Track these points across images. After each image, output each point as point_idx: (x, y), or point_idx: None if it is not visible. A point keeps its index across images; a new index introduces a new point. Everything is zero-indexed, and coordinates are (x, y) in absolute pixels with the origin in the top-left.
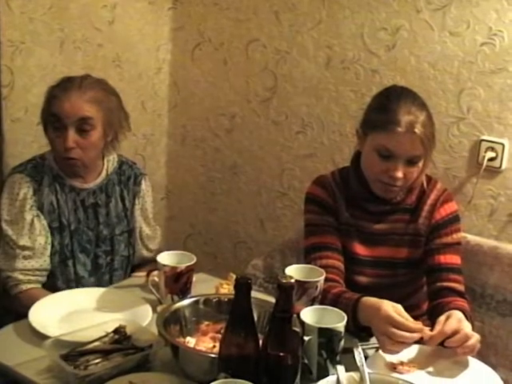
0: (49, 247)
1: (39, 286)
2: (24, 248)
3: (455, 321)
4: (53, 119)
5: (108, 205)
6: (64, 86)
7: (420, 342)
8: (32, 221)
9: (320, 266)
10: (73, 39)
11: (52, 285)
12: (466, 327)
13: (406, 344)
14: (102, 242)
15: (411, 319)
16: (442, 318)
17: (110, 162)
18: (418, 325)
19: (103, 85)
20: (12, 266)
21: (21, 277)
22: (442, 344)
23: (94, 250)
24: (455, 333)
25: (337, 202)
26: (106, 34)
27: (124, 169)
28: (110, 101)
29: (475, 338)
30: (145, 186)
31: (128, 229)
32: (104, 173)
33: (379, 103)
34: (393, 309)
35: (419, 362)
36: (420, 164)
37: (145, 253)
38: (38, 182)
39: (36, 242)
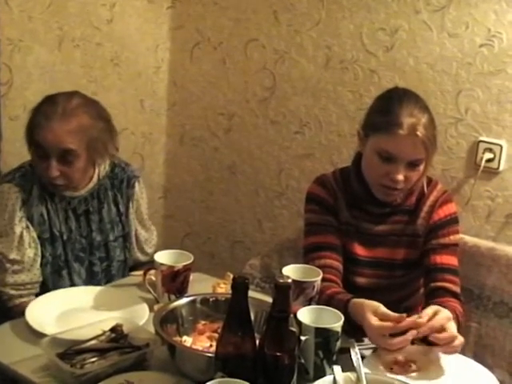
0: (38, 259)
1: (32, 298)
2: (13, 262)
3: (444, 318)
4: (35, 146)
5: (101, 211)
6: (46, 113)
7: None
8: (21, 233)
9: (318, 266)
10: (71, 37)
11: None
12: (453, 327)
13: (405, 346)
14: (96, 249)
15: (394, 315)
16: (430, 311)
17: (102, 166)
18: (403, 319)
19: (89, 108)
20: (3, 281)
21: (12, 292)
22: (426, 341)
23: (88, 258)
24: (442, 329)
25: (337, 201)
26: (105, 33)
27: (116, 172)
28: (95, 127)
29: (460, 340)
30: (138, 188)
31: (123, 233)
32: (95, 178)
33: (381, 105)
34: (375, 316)
35: (415, 363)
36: (421, 167)
37: (140, 256)
38: (27, 191)
39: (25, 255)
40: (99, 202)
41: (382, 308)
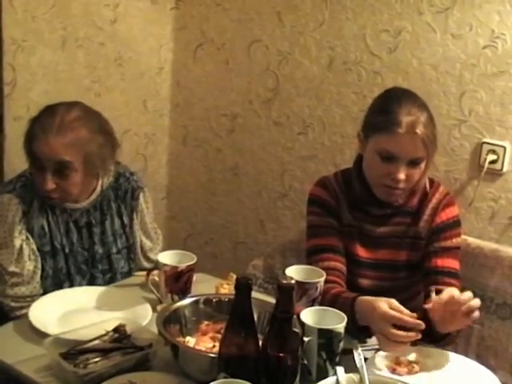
0: (38, 272)
1: None
2: (13, 274)
3: (450, 289)
4: (32, 157)
5: (103, 223)
6: (43, 126)
7: (417, 342)
8: (21, 246)
9: (322, 268)
10: (75, 38)
11: None
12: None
13: (405, 343)
14: (99, 261)
15: (407, 311)
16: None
17: (106, 177)
18: (414, 318)
19: (88, 121)
20: (4, 293)
21: (13, 304)
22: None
23: (90, 271)
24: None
25: (339, 203)
26: (108, 33)
27: (121, 182)
28: (93, 141)
29: (477, 300)
30: (143, 199)
31: (127, 244)
32: (99, 189)
33: (379, 105)
34: (388, 305)
35: (418, 364)
36: (422, 165)
37: (146, 264)
38: (28, 203)
39: (24, 268)
40: (102, 214)
41: (396, 302)
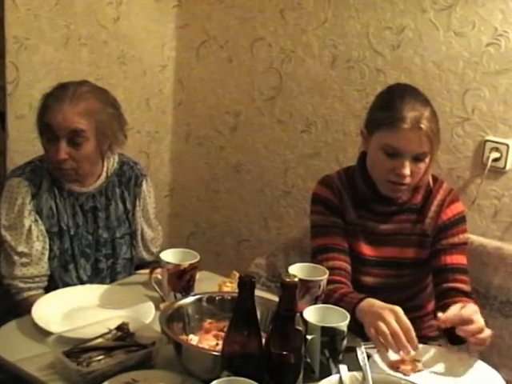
0: (47, 253)
1: (40, 291)
2: (22, 255)
3: (471, 310)
4: (46, 129)
5: (108, 208)
6: (57, 96)
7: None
8: (30, 227)
9: (327, 268)
10: (78, 36)
11: (54, 289)
12: (481, 320)
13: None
14: (103, 245)
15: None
16: (458, 305)
17: (111, 163)
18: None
19: (98, 94)
20: (12, 274)
21: (21, 285)
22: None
23: (94, 255)
24: (469, 321)
25: (343, 202)
26: (111, 31)
27: (125, 169)
28: (104, 112)
29: (488, 331)
30: (146, 187)
31: (130, 231)
32: (104, 175)
33: (383, 101)
34: (394, 317)
35: (422, 362)
36: (426, 160)
37: (145, 255)
38: (37, 186)
39: (33, 248)
40: (107, 199)
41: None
